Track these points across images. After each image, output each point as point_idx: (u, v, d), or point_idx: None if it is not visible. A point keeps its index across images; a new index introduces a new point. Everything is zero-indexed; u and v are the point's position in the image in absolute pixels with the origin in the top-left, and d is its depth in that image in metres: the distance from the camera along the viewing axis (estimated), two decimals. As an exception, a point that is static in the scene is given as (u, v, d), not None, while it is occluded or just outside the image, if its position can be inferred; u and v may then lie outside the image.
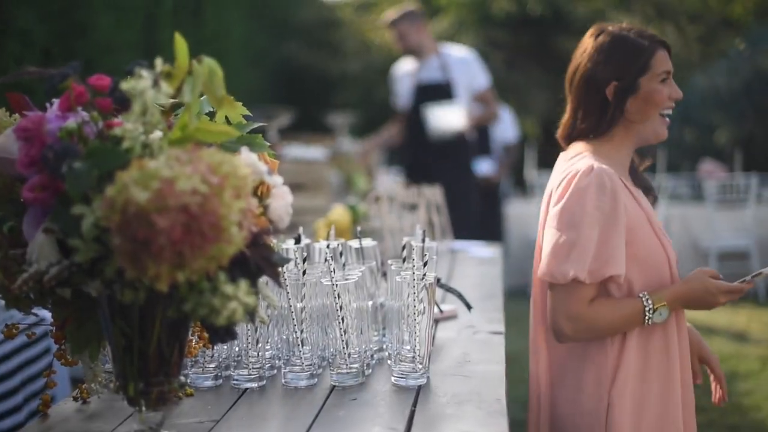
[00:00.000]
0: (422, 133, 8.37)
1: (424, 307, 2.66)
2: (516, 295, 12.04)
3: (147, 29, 8.21)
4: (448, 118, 8.24)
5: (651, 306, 3.05)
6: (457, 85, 8.47)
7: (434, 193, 4.97)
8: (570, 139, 3.33)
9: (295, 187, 6.94)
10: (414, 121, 8.52)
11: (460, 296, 3.57)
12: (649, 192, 3.37)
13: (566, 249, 3.05)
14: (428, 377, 2.74)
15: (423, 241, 2.96)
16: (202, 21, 10.11)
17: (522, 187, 14.91)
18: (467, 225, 8.21)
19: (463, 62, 8.59)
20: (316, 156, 7.41)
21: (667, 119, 3.24)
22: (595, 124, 3.24)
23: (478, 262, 4.86)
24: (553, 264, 3.07)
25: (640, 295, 3.08)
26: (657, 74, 3.19)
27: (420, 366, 2.70)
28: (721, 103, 18.23)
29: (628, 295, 3.11)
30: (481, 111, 8.64)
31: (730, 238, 12.19)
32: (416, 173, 8.10)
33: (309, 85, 15.37)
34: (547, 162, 17.09)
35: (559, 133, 3.38)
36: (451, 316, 3.58)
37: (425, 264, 2.70)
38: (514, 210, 12.92)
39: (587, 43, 3.28)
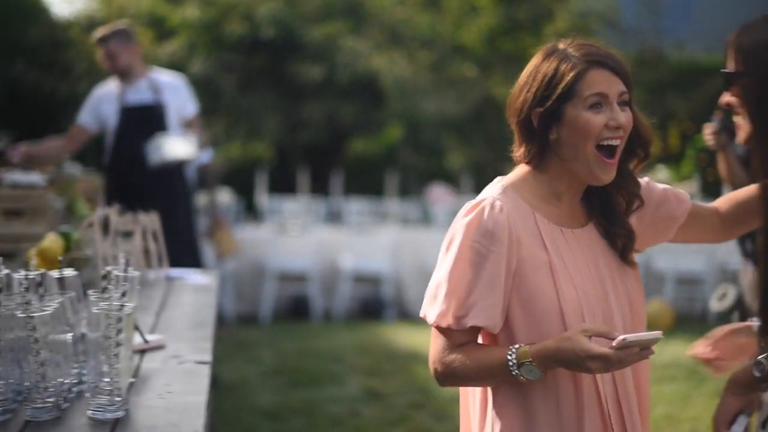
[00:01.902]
0: (133, 157, 8.12)
1: (123, 338, 2.59)
2: (246, 321, 12.01)
3: None
4: (179, 147, 8.05)
5: (515, 361, 2.71)
6: (168, 109, 8.29)
7: (151, 220, 4.88)
8: (517, 162, 2.98)
9: (13, 214, 6.69)
10: (122, 144, 8.26)
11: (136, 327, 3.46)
12: (615, 236, 2.96)
13: (435, 289, 2.82)
14: (127, 410, 2.66)
15: (125, 270, 2.88)
16: None
17: (253, 211, 14.90)
18: (182, 252, 8.06)
19: (173, 86, 8.39)
20: (34, 181, 7.15)
21: (609, 159, 2.82)
22: (525, 154, 2.89)
23: (193, 290, 4.79)
24: (425, 303, 2.85)
25: (510, 347, 2.73)
26: (584, 99, 2.78)
27: (118, 399, 2.62)
28: (452, 128, 18.72)
29: (512, 344, 2.77)
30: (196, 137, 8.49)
31: (458, 261, 12.45)
32: (125, 198, 7.78)
33: (37, 107, 14.96)
34: (279, 186, 17.18)
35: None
36: (159, 346, 3.50)
37: (124, 294, 2.63)
38: (246, 234, 12.90)
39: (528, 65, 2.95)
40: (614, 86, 2.80)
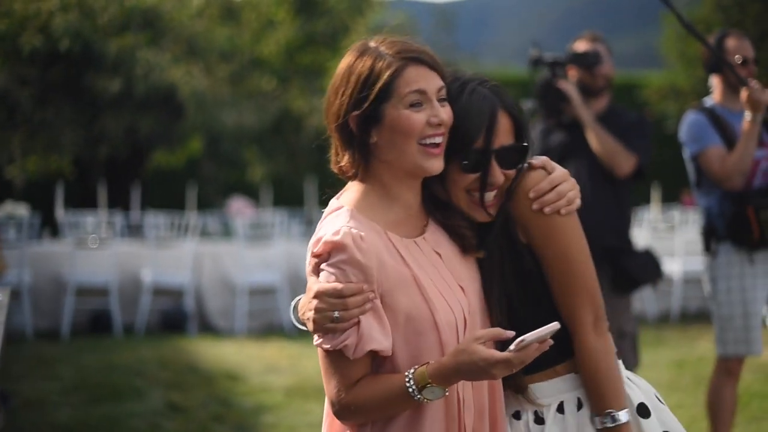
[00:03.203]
0: None
1: None
2: (45, 337, 11.82)
3: None
4: None
5: (414, 386, 2.64)
6: None
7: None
8: (345, 177, 2.87)
9: None
10: None
11: None
12: (455, 230, 2.88)
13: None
14: None
15: None
16: None
17: (52, 226, 14.66)
18: None
19: None
20: None
21: (435, 149, 2.73)
22: (350, 163, 2.79)
23: None
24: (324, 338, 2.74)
25: (406, 373, 2.66)
26: (403, 97, 2.70)
27: None
28: (252, 140, 18.74)
29: (393, 367, 2.72)
30: None
31: (260, 273, 12.55)
32: None
33: None
34: (78, 201, 16.93)
35: (335, 170, 2.88)
36: None
37: None
38: (44, 249, 12.69)
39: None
40: (432, 82, 2.74)
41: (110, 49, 15.34)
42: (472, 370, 2.60)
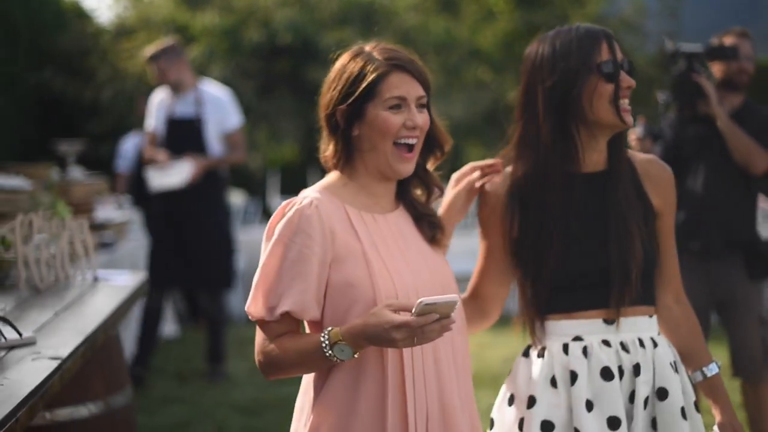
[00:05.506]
0: None
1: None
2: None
3: None
4: (168, 178, 8.45)
5: (327, 342, 2.81)
6: (207, 122, 8.63)
7: (79, 225, 5.10)
8: (328, 167, 3.14)
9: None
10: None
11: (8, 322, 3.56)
12: (423, 220, 3.13)
13: (254, 284, 2.97)
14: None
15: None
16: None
17: (267, 213, 15.12)
18: (215, 251, 8.81)
19: (215, 100, 8.69)
20: (20, 185, 7.43)
21: (407, 154, 3.00)
22: (334, 153, 3.07)
23: (109, 291, 4.86)
24: (248, 299, 3.00)
25: (325, 329, 2.84)
26: (384, 100, 2.96)
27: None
28: (467, 130, 18.69)
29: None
30: (230, 152, 8.84)
31: (464, 262, 12.55)
32: (167, 204, 8.51)
33: (62, 113, 15.33)
34: (294, 189, 17.32)
35: (322, 160, 3.16)
36: (27, 343, 3.60)
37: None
38: (255, 236, 13.10)
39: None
40: (413, 90, 2.99)
41: (327, 42, 15.69)
42: (376, 332, 2.74)
